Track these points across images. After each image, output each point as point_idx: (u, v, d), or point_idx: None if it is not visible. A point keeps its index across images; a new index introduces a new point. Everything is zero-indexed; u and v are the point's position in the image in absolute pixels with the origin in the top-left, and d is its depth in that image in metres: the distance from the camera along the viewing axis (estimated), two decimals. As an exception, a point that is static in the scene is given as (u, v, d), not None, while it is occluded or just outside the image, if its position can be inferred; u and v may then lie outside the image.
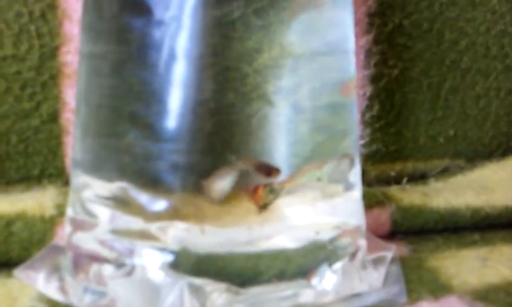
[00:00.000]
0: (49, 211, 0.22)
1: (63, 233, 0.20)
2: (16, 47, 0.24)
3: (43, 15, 0.24)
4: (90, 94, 0.19)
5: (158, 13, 0.17)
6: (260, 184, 0.17)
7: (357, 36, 0.25)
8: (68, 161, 0.25)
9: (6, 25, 0.24)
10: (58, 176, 0.25)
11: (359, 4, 0.25)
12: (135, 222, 0.18)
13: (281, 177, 0.17)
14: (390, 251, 0.21)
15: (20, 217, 0.22)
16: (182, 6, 0.17)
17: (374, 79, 0.26)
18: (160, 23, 0.17)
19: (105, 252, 0.18)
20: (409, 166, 0.27)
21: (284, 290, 0.18)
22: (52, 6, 0.24)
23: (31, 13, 0.24)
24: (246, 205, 0.18)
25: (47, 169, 0.25)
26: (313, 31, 0.18)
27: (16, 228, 0.22)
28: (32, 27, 0.24)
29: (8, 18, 0.24)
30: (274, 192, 0.17)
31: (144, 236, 0.18)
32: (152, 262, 0.18)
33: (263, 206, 0.17)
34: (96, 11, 0.18)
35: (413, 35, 0.26)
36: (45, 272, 0.20)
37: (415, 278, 0.21)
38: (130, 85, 0.18)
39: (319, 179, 0.18)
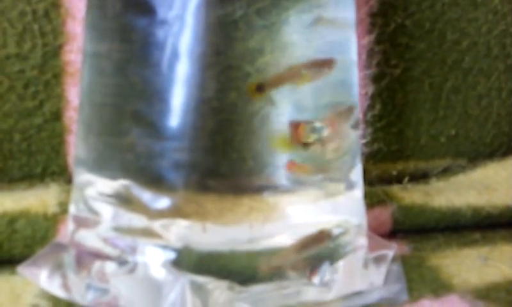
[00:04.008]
0: (52, 209, 0.22)
1: (66, 230, 0.21)
2: (20, 45, 0.24)
3: (46, 14, 0.24)
4: (93, 93, 0.19)
5: (161, 12, 0.17)
6: (300, 121, 0.17)
7: (359, 35, 0.25)
8: (71, 159, 0.25)
9: (10, 24, 0.24)
10: (61, 174, 0.25)
11: (361, 4, 0.25)
12: (138, 220, 0.18)
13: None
14: (391, 250, 0.21)
15: (23, 214, 0.22)
16: (185, 5, 0.17)
17: (376, 79, 0.26)
18: (163, 22, 0.17)
19: (107, 250, 0.18)
20: (411, 165, 0.27)
21: (286, 287, 0.18)
22: (56, 5, 0.24)
23: (34, 12, 0.24)
24: (248, 203, 0.18)
25: (50, 167, 0.25)
26: (315, 31, 0.18)
27: (20, 225, 0.22)
28: (36, 26, 0.24)
29: (12, 17, 0.24)
30: (315, 131, 0.17)
31: (147, 233, 0.18)
32: (154, 260, 0.18)
33: (305, 145, 0.17)
34: (100, 10, 0.18)
35: (415, 35, 0.26)
36: (47, 269, 0.20)
37: (416, 277, 0.21)
38: (133, 84, 0.18)
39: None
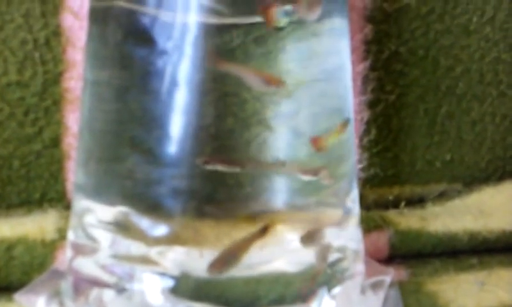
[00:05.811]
0: (50, 235, 0.22)
1: (64, 257, 0.21)
2: (21, 73, 0.24)
3: (47, 42, 0.24)
4: (93, 120, 0.19)
5: (161, 42, 0.17)
6: (271, 3, 0.16)
7: (354, 63, 0.25)
8: (69, 185, 0.25)
9: (11, 52, 0.24)
10: (59, 200, 0.25)
11: (355, 31, 0.26)
12: (136, 247, 0.18)
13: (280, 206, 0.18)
14: (389, 275, 0.21)
15: (21, 241, 0.22)
16: (184, 35, 0.17)
17: (371, 104, 0.26)
18: (162, 52, 0.17)
19: (105, 277, 0.18)
20: (407, 190, 0.27)
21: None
22: (57, 34, 0.24)
23: (35, 41, 0.24)
24: (246, 229, 0.18)
25: (48, 194, 0.25)
26: (312, 59, 0.18)
27: (17, 251, 0.22)
28: (37, 54, 0.24)
29: (13, 45, 0.24)
30: (288, 15, 0.16)
31: (145, 260, 0.18)
32: (152, 287, 0.18)
33: (277, 29, 0.15)
34: (101, 39, 0.19)
35: (409, 62, 0.27)
36: (45, 296, 0.20)
37: (414, 302, 0.21)
38: (132, 111, 0.18)
39: None
